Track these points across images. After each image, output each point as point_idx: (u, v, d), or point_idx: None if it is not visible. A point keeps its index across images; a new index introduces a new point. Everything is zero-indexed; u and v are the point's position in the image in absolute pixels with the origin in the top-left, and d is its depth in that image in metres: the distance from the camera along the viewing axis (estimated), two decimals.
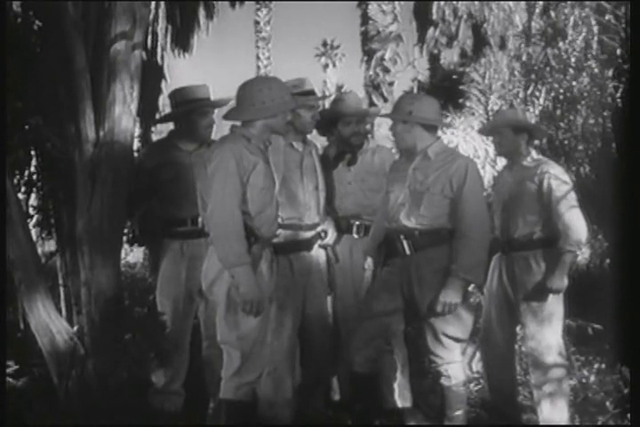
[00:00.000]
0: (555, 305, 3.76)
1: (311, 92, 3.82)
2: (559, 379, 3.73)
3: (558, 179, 3.77)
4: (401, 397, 3.88)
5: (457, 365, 3.58)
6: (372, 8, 11.63)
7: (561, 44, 7.75)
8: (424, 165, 3.54)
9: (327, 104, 4.32)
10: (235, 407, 3.24)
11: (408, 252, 3.51)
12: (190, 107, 3.84)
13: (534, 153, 3.92)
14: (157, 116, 9.80)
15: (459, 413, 3.58)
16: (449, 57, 16.59)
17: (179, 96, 3.92)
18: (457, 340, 3.57)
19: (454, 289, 3.42)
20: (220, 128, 3.92)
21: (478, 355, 4.33)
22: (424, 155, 3.55)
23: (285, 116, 3.31)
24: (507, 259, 3.86)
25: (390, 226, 3.58)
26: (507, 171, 4.00)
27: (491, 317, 3.93)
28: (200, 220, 3.55)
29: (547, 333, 3.74)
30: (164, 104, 10.49)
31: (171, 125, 4.13)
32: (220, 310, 3.24)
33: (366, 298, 3.67)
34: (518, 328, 4.03)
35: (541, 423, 3.77)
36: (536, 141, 4.44)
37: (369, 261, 3.75)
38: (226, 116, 3.36)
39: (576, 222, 3.70)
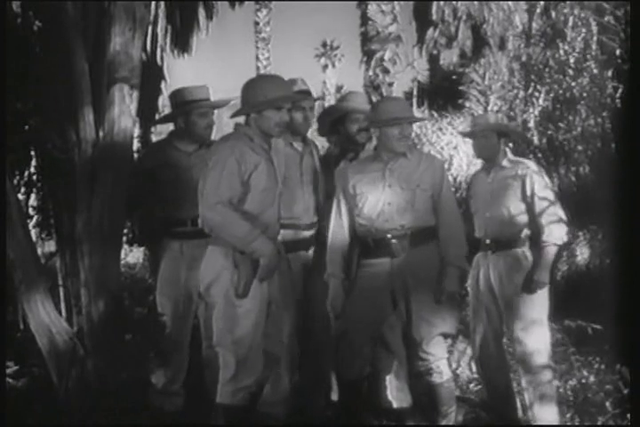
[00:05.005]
0: (540, 308, 3.79)
1: (304, 93, 3.80)
2: (548, 381, 3.76)
3: (538, 176, 3.86)
4: (399, 397, 3.89)
5: (445, 361, 3.63)
6: (372, 8, 11.64)
7: (560, 44, 7.76)
8: (403, 165, 3.58)
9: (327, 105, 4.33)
10: (232, 412, 3.23)
11: (401, 251, 3.52)
12: (189, 107, 3.84)
13: (510, 154, 4.01)
14: (157, 117, 9.79)
15: (452, 409, 3.61)
16: (448, 58, 16.61)
17: (178, 97, 3.92)
18: (447, 336, 3.66)
19: (454, 278, 3.52)
20: (220, 129, 3.92)
21: None
22: (402, 154, 3.59)
23: (272, 117, 3.25)
24: (494, 258, 3.88)
25: (378, 227, 3.55)
26: (483, 173, 4.05)
27: (479, 317, 3.96)
28: (200, 220, 3.56)
29: (534, 337, 3.77)
30: (164, 104, 10.48)
31: (171, 126, 4.13)
32: (216, 313, 3.24)
33: (348, 309, 3.59)
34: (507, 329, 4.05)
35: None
36: (536, 142, 4.46)
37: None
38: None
39: (556, 217, 3.77)
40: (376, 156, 3.65)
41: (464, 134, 4.81)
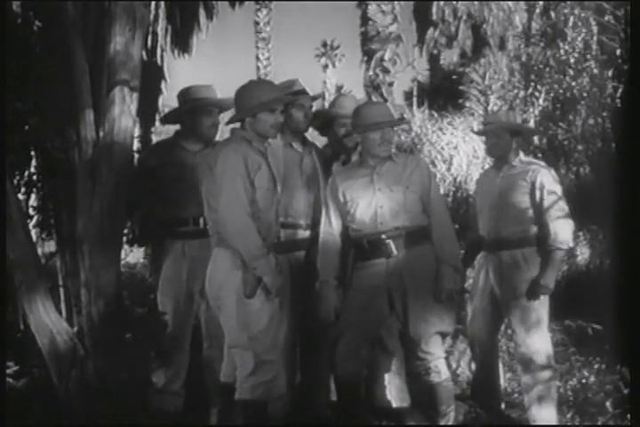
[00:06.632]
0: (542, 309, 3.80)
1: (301, 92, 3.82)
2: (548, 382, 3.77)
3: (550, 177, 3.85)
4: (399, 396, 3.89)
5: (444, 360, 3.63)
6: (372, 8, 11.62)
7: (560, 44, 7.76)
8: (390, 168, 3.60)
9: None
10: (251, 407, 3.25)
11: (395, 252, 3.52)
12: (194, 104, 3.84)
13: (522, 154, 4.00)
14: (158, 116, 9.79)
15: (451, 408, 3.61)
16: (449, 57, 16.65)
17: (185, 95, 3.92)
18: (445, 335, 3.67)
19: (451, 276, 3.52)
20: (225, 129, 3.92)
21: None
22: (388, 158, 3.60)
23: (267, 119, 3.31)
24: (494, 258, 3.90)
25: (372, 230, 3.56)
26: (493, 171, 4.07)
27: (477, 315, 3.99)
28: (201, 220, 3.56)
29: (536, 338, 3.78)
30: (164, 104, 10.51)
31: (172, 127, 4.12)
32: (227, 313, 3.25)
33: (346, 311, 3.60)
34: (507, 330, 4.07)
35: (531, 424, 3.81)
36: (536, 142, 4.47)
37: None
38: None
39: (564, 221, 3.76)
40: (362, 161, 3.66)
41: (477, 133, 4.82)
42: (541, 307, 3.79)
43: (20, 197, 4.26)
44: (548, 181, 3.81)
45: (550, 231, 3.74)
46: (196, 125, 3.85)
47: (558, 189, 3.84)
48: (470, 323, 4.06)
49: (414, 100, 13.47)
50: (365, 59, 11.79)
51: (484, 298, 3.95)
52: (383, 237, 3.53)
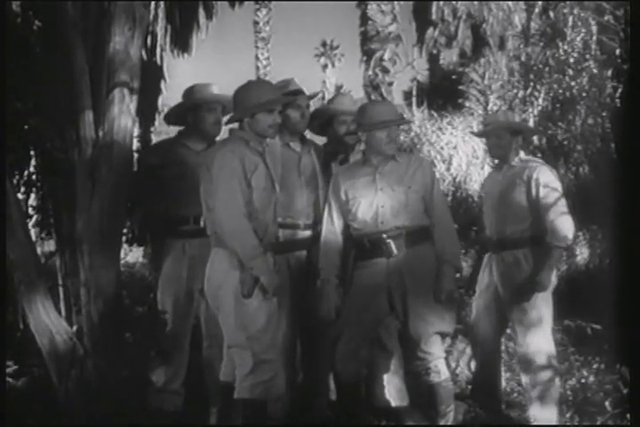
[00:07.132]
0: (544, 309, 3.80)
1: (298, 92, 3.82)
2: (549, 381, 3.77)
3: (546, 175, 3.84)
4: (398, 396, 3.89)
5: (443, 360, 3.64)
6: (372, 8, 11.60)
7: (560, 44, 7.76)
8: (393, 168, 3.60)
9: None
10: (250, 407, 3.26)
11: (396, 251, 3.52)
12: (196, 102, 3.84)
13: (522, 153, 4.00)
14: (158, 116, 9.77)
15: (450, 408, 3.62)
16: (448, 57, 16.64)
17: (189, 93, 3.93)
18: (445, 335, 3.68)
19: (451, 277, 3.54)
20: (226, 129, 3.93)
21: None
22: (391, 157, 3.60)
23: (265, 120, 3.33)
24: (497, 257, 3.91)
25: (373, 229, 3.57)
26: (495, 171, 4.10)
27: (480, 315, 3.99)
28: (202, 219, 3.56)
29: (537, 337, 3.78)
30: (164, 104, 10.50)
31: (172, 128, 4.12)
32: (226, 312, 3.26)
33: (345, 310, 3.61)
34: (507, 329, 4.07)
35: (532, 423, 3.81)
36: (536, 142, 4.47)
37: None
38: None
39: (563, 218, 3.75)
40: (365, 160, 3.66)
41: (476, 134, 4.83)
42: (543, 306, 3.78)
43: (20, 196, 4.26)
44: (544, 178, 3.80)
45: (549, 228, 3.74)
46: (198, 122, 3.86)
47: (557, 185, 3.83)
48: (473, 322, 4.06)
49: (414, 99, 13.49)
50: (365, 58, 11.77)
51: (487, 297, 3.95)
52: (384, 236, 3.54)
